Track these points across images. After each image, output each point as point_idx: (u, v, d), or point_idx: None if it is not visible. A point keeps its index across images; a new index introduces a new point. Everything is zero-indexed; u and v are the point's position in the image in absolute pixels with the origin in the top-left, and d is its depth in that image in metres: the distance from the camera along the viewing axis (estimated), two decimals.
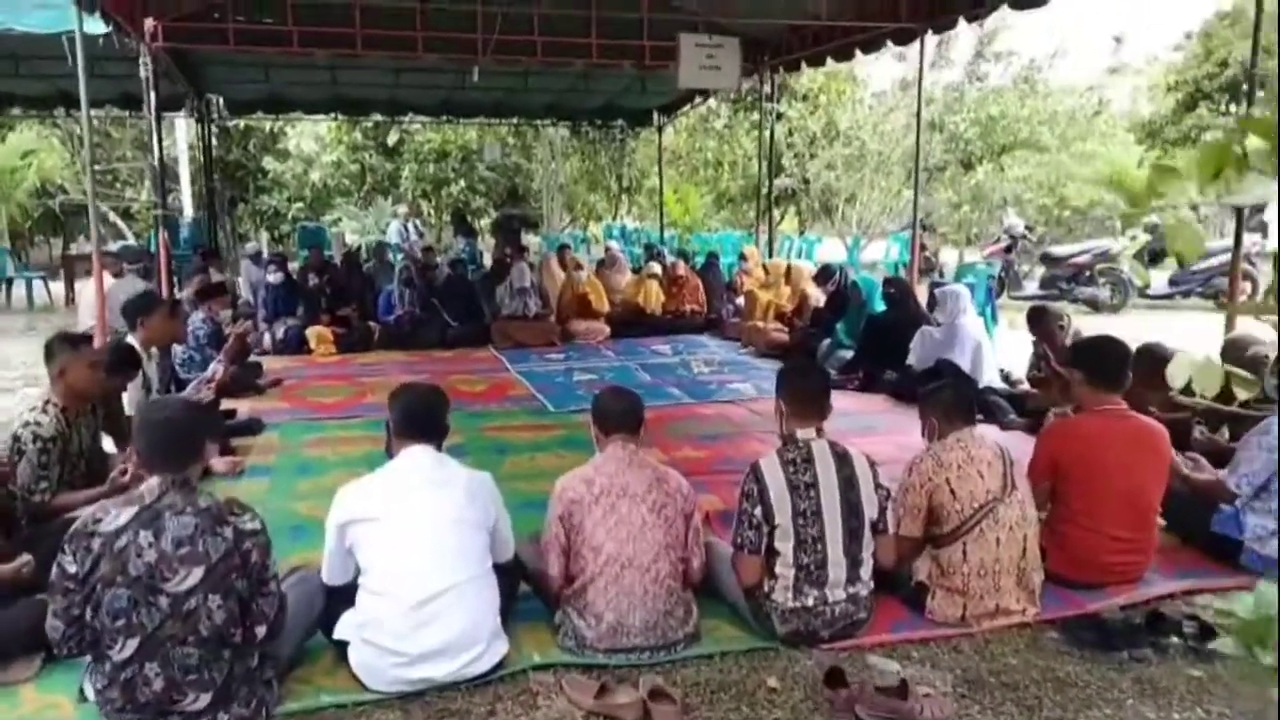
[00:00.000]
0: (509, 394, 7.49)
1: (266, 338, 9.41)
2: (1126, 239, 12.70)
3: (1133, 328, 6.97)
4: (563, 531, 3.19)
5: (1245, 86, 24.84)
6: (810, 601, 3.20)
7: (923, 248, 15.38)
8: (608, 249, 13.26)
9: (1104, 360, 3.80)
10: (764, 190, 12.69)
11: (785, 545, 3.19)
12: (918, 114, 9.46)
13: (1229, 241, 13.19)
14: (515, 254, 11.66)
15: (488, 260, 14.54)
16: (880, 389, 7.17)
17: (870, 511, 3.25)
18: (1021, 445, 4.34)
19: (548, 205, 22.34)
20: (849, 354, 7.76)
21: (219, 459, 5.32)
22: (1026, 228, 13.63)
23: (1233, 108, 25.51)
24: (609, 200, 23.71)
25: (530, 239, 18.23)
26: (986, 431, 3.75)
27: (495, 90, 13.68)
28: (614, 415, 3.32)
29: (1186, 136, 24.17)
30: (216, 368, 6.20)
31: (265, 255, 12.03)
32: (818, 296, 9.05)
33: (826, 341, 8.16)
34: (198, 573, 2.53)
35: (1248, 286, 11.65)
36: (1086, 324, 10.72)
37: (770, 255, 11.87)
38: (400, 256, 12.01)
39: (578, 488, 3.18)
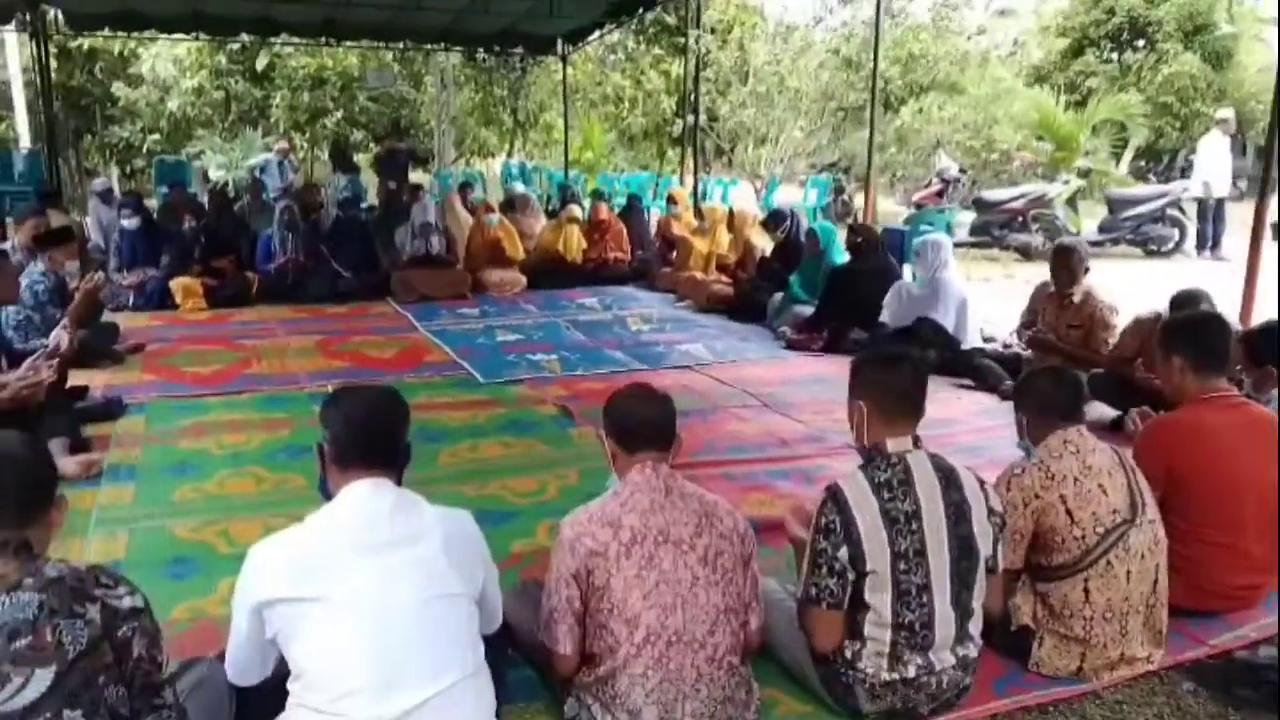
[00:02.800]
0: (425, 360, 6.43)
1: (126, 293, 8.02)
2: (1060, 184, 12.37)
3: None
4: (578, 595, 2.25)
5: (1127, 35, 25.56)
6: (912, 671, 2.38)
7: (839, 190, 14.79)
8: (512, 190, 12.09)
9: (1211, 340, 3.12)
10: (686, 125, 11.72)
11: (880, 598, 2.35)
12: (874, 47, 8.59)
13: (1158, 188, 13.10)
14: (412, 190, 10.45)
15: (373, 198, 13.15)
16: (848, 350, 6.40)
17: (985, 547, 2.44)
18: None
19: (438, 139, 20.76)
20: (807, 309, 6.98)
21: (68, 459, 4.15)
22: (960, 170, 13.14)
23: (1114, 55, 26.04)
24: (501, 135, 22.26)
25: (420, 176, 16.80)
26: (1094, 434, 2.97)
27: (383, 9, 12.18)
28: (642, 428, 2.35)
29: (1073, 83, 24.50)
30: (61, 335, 4.90)
31: (117, 194, 10.42)
32: (764, 245, 8.22)
33: (779, 296, 7.35)
34: (45, 677, 1.58)
35: (1175, 233, 11.46)
36: (1021, 272, 10.35)
37: (696, 199, 10.97)
38: (279, 196, 10.58)
39: (599, 534, 2.24)
